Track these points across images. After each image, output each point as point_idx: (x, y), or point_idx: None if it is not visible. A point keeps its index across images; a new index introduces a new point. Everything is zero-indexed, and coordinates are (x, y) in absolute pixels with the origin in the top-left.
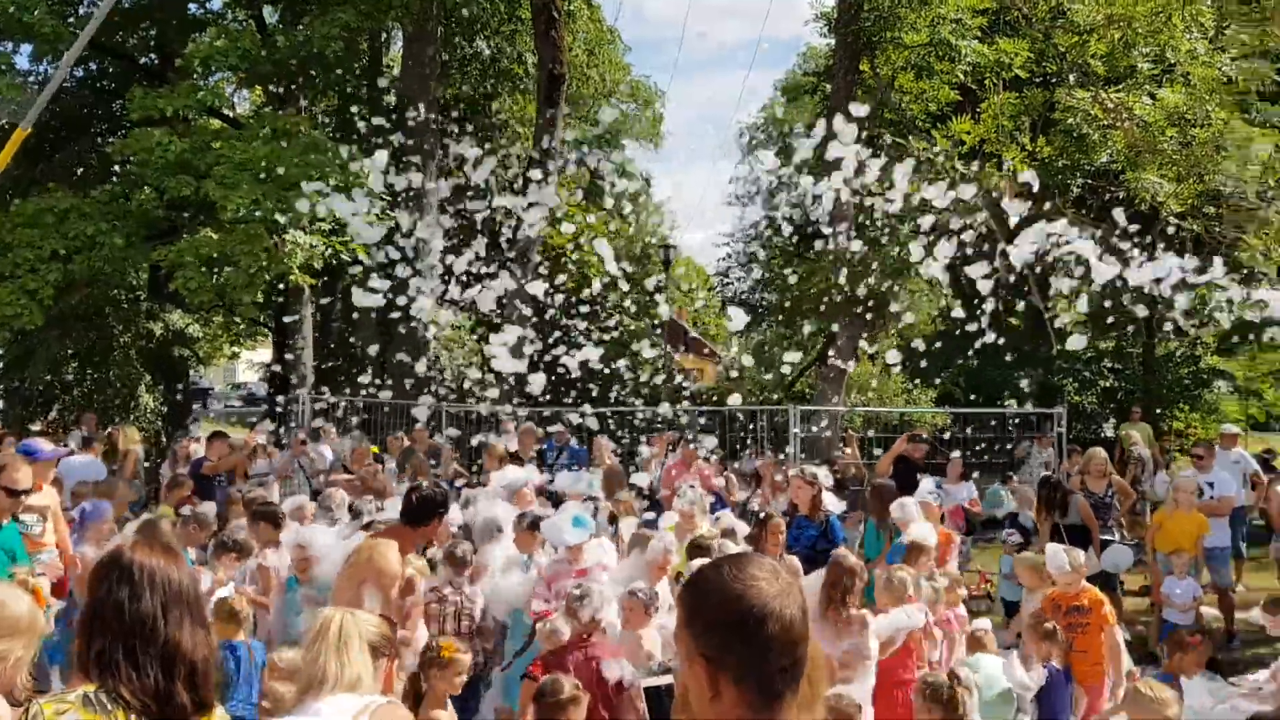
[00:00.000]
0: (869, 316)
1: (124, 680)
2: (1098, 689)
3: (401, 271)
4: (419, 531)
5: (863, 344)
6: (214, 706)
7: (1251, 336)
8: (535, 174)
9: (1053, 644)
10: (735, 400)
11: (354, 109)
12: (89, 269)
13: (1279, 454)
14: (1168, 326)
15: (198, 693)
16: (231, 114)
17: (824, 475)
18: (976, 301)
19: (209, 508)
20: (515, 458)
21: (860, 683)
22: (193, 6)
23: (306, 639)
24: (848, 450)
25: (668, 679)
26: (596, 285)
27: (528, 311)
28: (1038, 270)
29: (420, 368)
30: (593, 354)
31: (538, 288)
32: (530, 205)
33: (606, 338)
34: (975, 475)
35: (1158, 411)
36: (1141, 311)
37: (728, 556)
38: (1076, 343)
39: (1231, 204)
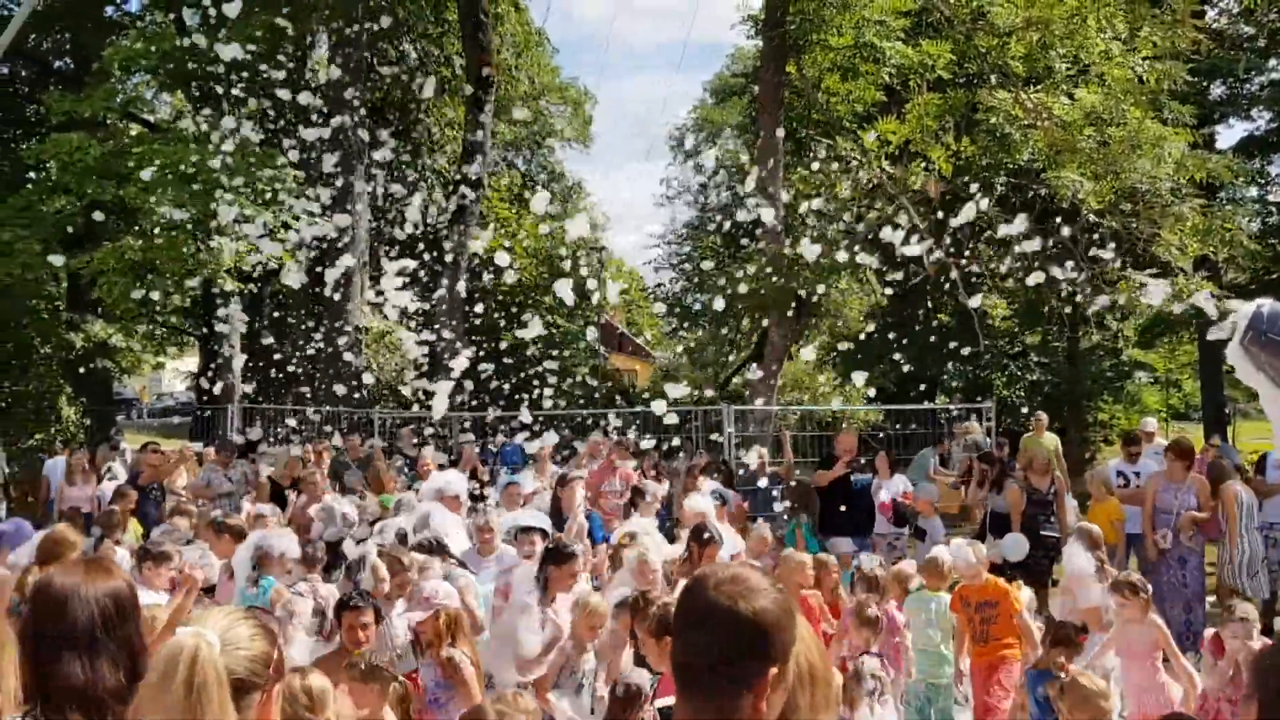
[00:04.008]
0: (802, 315)
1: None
2: (1012, 672)
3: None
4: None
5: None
6: None
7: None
8: (466, 191)
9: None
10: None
11: (277, 111)
12: (4, 276)
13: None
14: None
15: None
16: (151, 118)
17: None
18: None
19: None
20: (454, 465)
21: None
22: (109, 9)
23: (148, 675)
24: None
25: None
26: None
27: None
28: (965, 267)
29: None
30: (534, 330)
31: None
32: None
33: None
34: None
35: (1084, 403)
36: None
37: (719, 564)
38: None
39: (1147, 201)
